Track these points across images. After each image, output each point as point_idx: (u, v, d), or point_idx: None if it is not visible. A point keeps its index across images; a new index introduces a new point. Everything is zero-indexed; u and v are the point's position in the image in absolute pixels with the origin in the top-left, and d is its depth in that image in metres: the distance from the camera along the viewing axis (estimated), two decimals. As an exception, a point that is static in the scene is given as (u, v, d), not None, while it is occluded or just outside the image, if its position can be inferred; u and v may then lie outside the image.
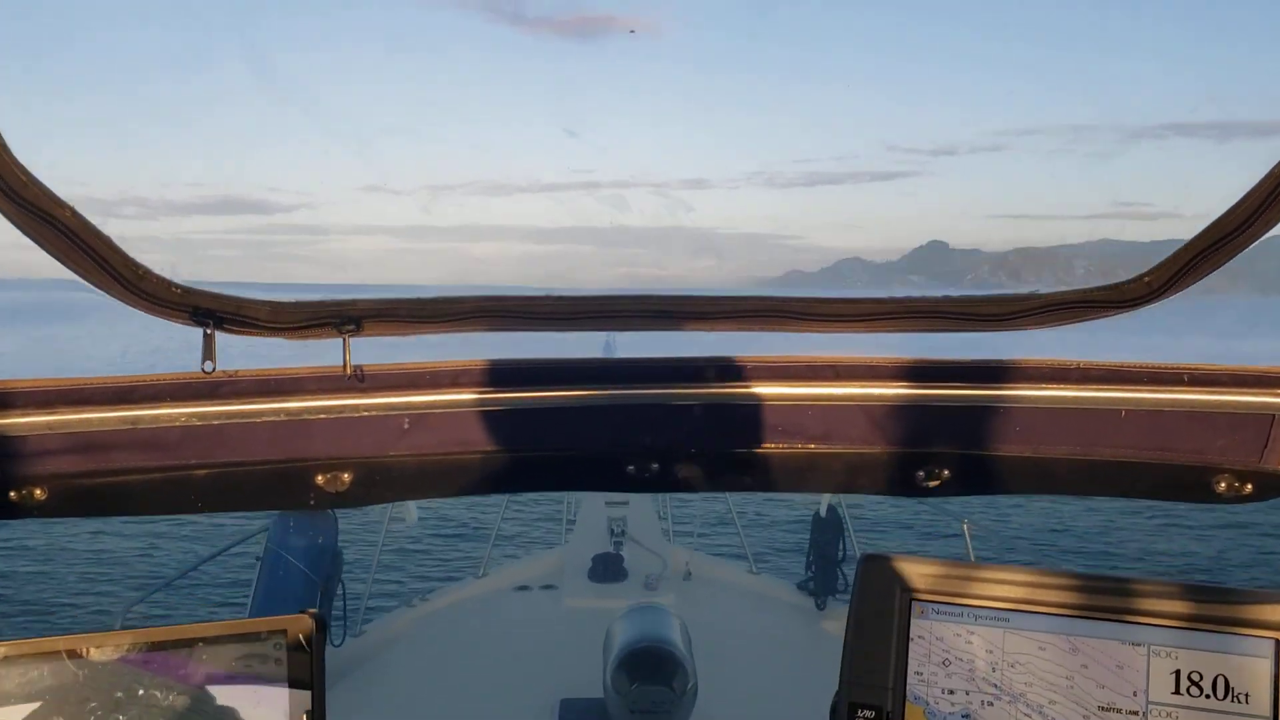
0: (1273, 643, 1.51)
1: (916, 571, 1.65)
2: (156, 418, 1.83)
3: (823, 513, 5.84)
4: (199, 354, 1.78)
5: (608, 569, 5.58)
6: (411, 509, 5.63)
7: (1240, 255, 1.98)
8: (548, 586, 5.73)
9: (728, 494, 6.22)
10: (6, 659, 1.39)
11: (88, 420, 1.79)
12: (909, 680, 1.63)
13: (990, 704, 1.59)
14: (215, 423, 1.86)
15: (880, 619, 1.65)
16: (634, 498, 5.97)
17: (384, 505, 5.18)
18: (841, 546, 5.72)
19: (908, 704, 1.62)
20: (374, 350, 2.03)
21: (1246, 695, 1.50)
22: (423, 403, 1.95)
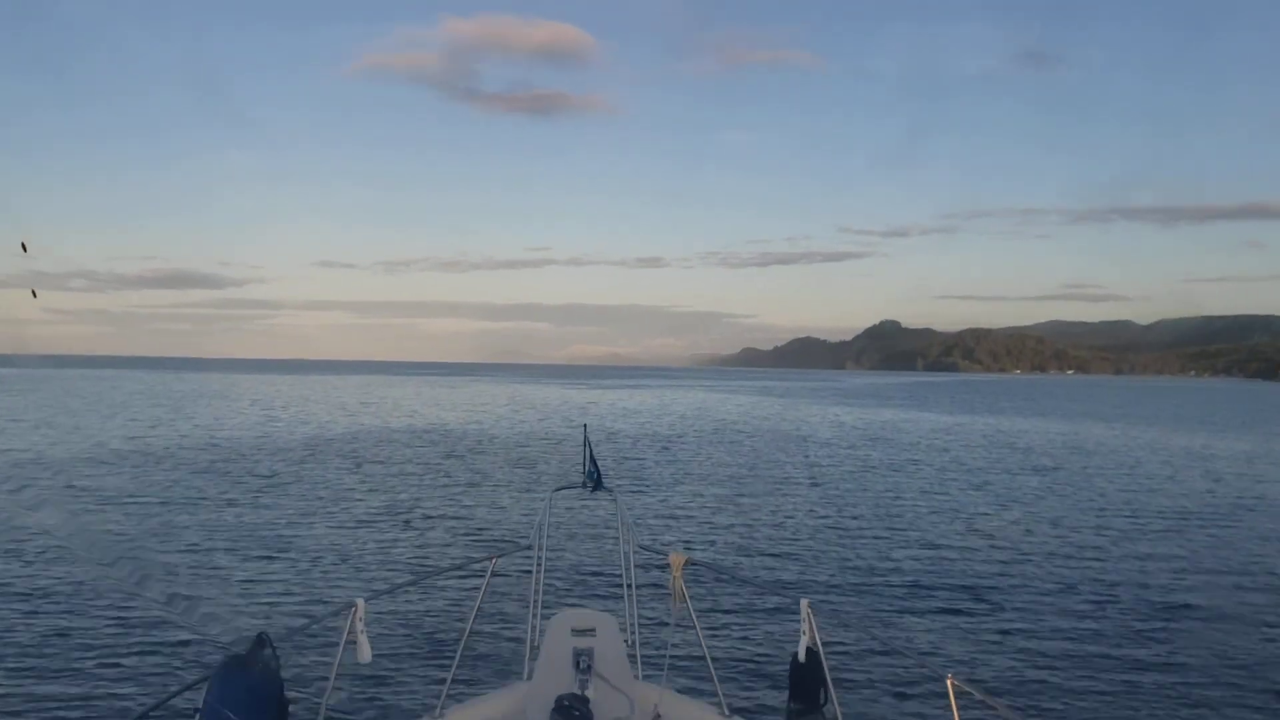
0: None
1: None
2: None
3: (801, 656, 5.10)
4: None
5: (572, 711, 5.09)
6: (365, 643, 4.85)
7: None
8: None
9: (700, 627, 5.84)
10: None
11: None
12: None
13: None
14: None
15: None
16: (602, 627, 5.63)
17: (335, 644, 4.87)
18: (821, 696, 5.04)
19: None
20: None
21: None
22: None
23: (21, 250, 5.72)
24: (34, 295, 6.42)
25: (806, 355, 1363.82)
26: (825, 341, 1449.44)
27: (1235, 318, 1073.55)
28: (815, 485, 32.33)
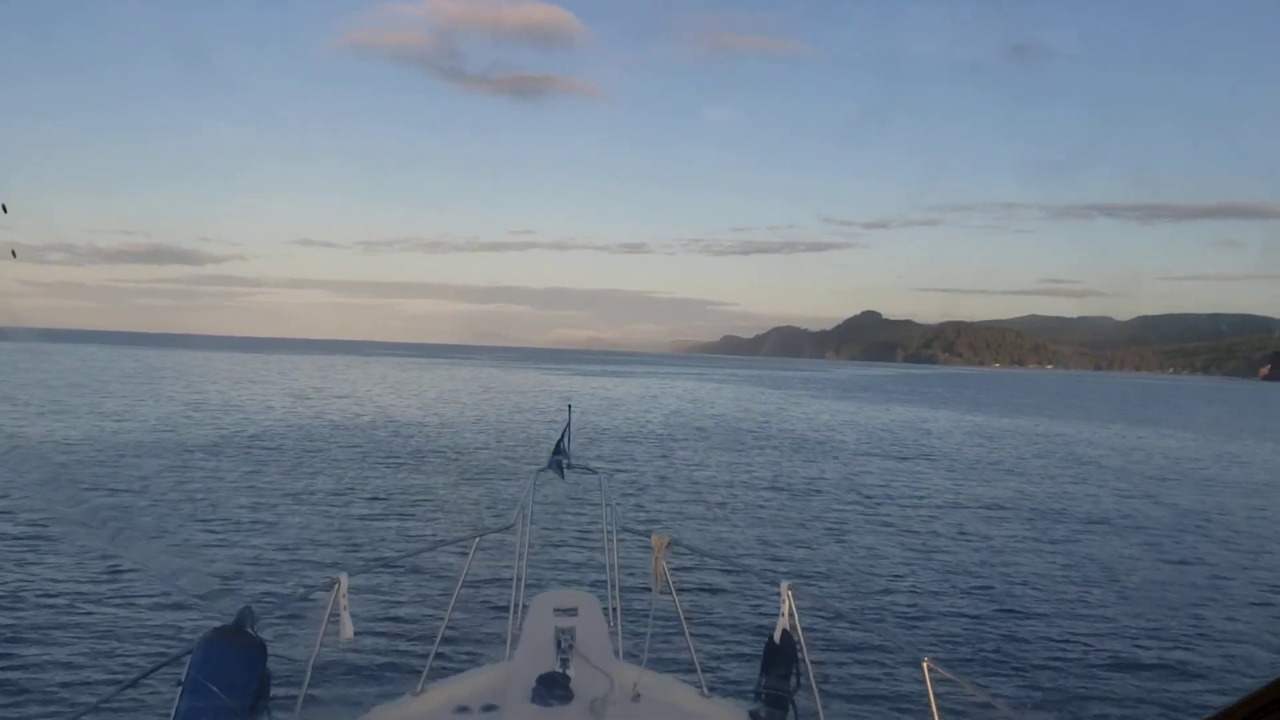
0: None
1: None
2: None
3: (777, 638, 5.14)
4: None
5: (553, 690, 5.17)
6: (348, 620, 4.88)
7: None
8: (489, 707, 5.35)
9: (681, 608, 5.83)
10: None
11: None
12: None
13: None
14: None
15: None
16: (583, 606, 5.76)
17: (318, 620, 4.87)
18: (795, 677, 5.08)
19: None
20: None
21: None
22: None
23: (1, 212, 5.67)
24: (13, 255, 6.36)
25: (787, 344, 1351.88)
26: (806, 331, 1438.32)
27: (1212, 315, 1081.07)
28: (800, 472, 32.80)
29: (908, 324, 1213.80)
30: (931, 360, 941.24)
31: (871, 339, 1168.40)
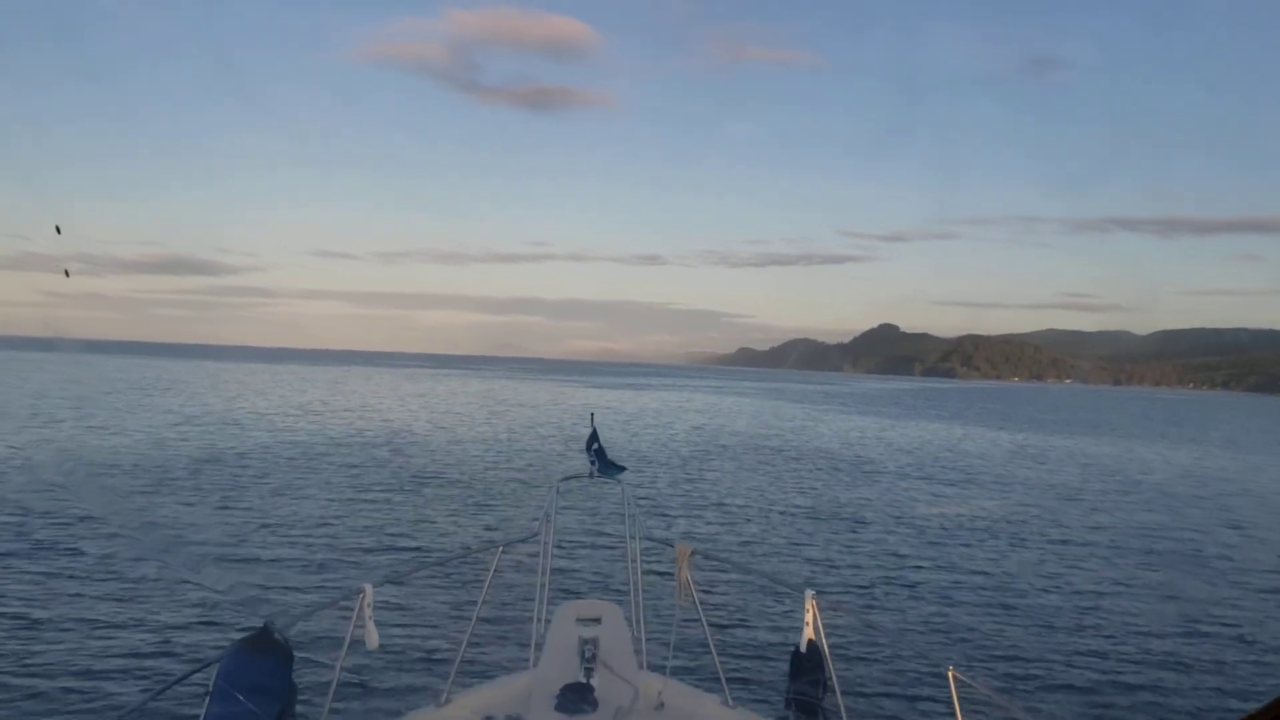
0: None
1: None
2: None
3: (802, 648, 5.13)
4: None
5: (578, 699, 5.19)
6: (373, 629, 4.86)
7: None
8: (514, 718, 5.36)
9: (705, 617, 5.81)
10: None
11: None
12: None
13: None
14: None
15: None
16: (607, 616, 5.73)
17: (344, 629, 4.88)
18: (820, 686, 5.05)
19: None
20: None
21: None
22: None
23: (55, 233, 5.79)
24: (67, 274, 6.47)
25: (804, 357, 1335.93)
26: (822, 344, 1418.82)
27: (1233, 330, 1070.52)
28: (823, 483, 32.80)
29: (925, 337, 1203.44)
30: (950, 374, 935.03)
31: (889, 352, 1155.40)
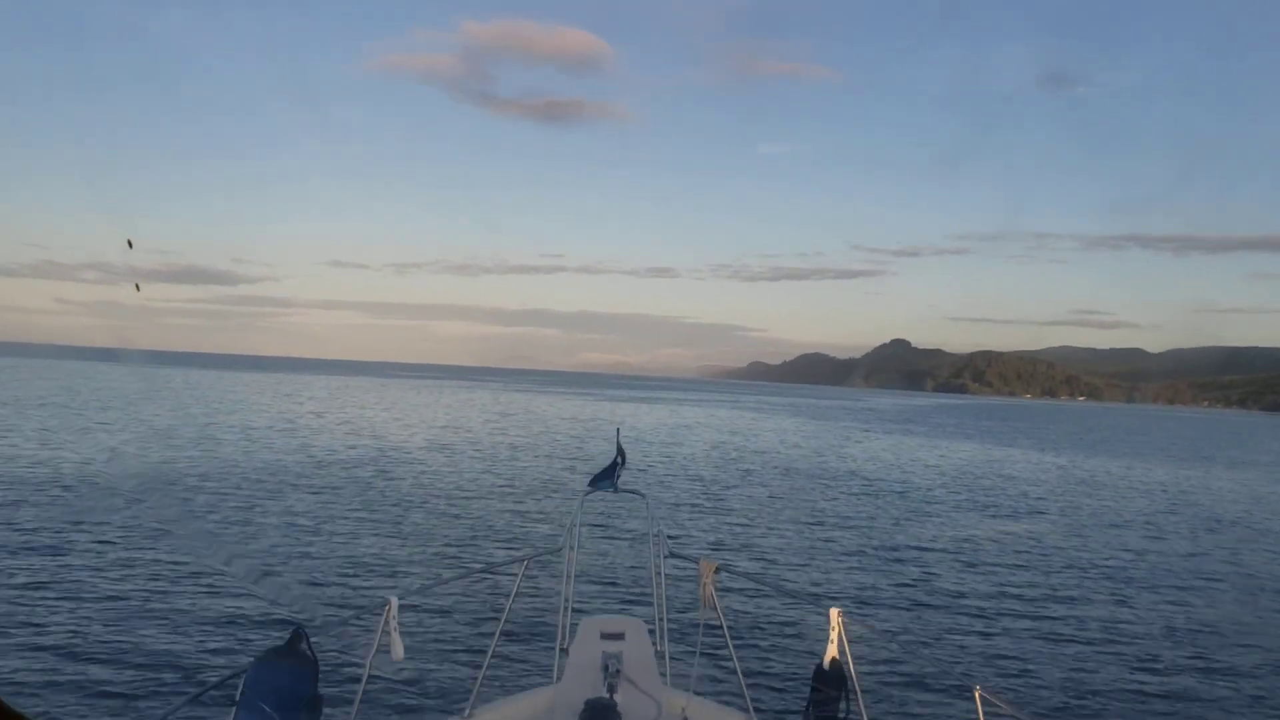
0: None
1: None
2: None
3: (826, 664, 5.08)
4: None
5: (601, 715, 5.16)
6: (398, 642, 4.90)
7: None
8: None
9: (729, 634, 5.81)
10: None
11: None
12: None
13: None
14: None
15: None
16: (631, 631, 5.73)
17: (369, 641, 4.95)
18: (845, 704, 5.00)
19: None
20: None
21: None
22: None
23: (128, 247, 5.86)
24: (137, 289, 6.53)
25: (816, 371, 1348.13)
26: (834, 359, 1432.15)
27: (1247, 349, 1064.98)
28: (847, 500, 32.67)
29: (938, 353, 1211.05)
30: (962, 390, 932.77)
31: (901, 367, 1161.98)
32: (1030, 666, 14.03)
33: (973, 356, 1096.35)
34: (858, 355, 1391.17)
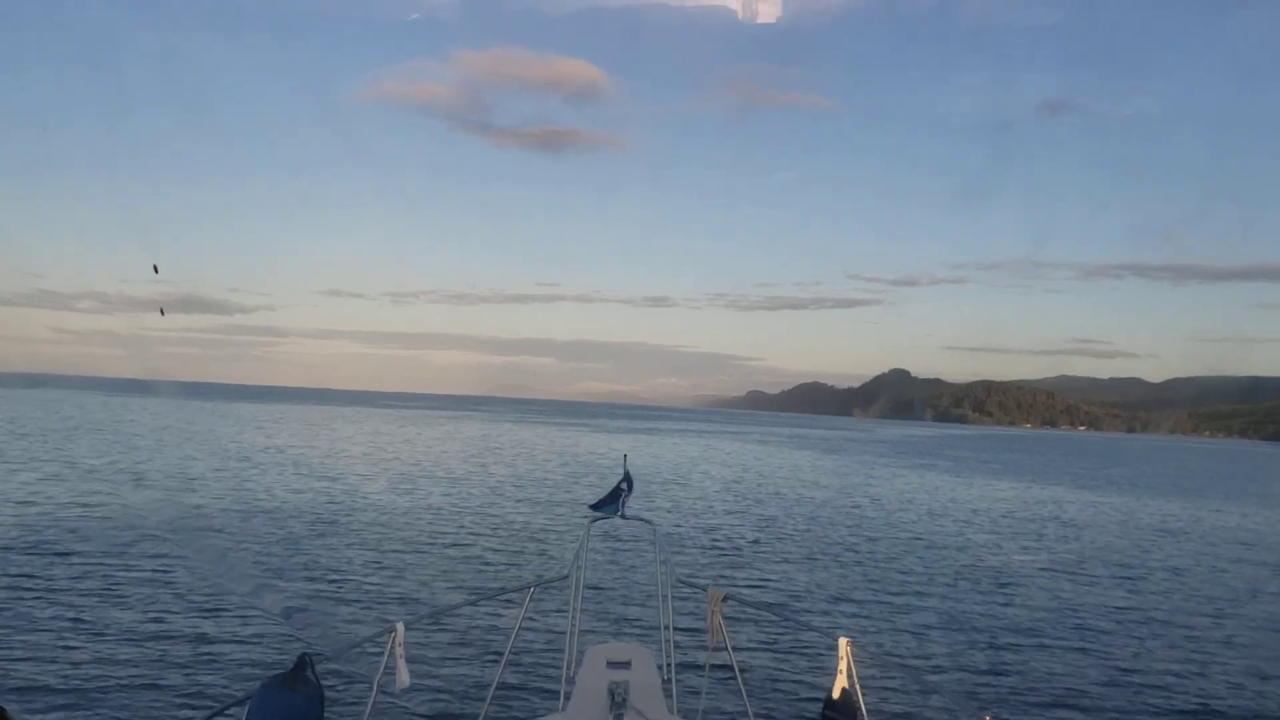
0: None
1: None
2: None
3: (835, 694, 5.03)
4: None
5: None
6: (404, 668, 4.91)
7: None
8: None
9: (736, 663, 5.82)
10: None
11: None
12: None
13: None
14: None
15: None
16: (637, 659, 5.73)
17: (375, 668, 4.91)
18: None
19: None
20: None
21: None
22: None
23: (154, 272, 5.89)
24: (161, 313, 6.54)
25: (814, 401, 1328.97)
26: (833, 388, 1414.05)
27: (1247, 379, 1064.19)
28: (856, 530, 32.56)
29: (936, 382, 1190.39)
30: (961, 419, 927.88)
31: (900, 397, 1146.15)
32: (1043, 698, 13.90)
33: (971, 386, 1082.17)
34: (856, 385, 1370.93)
